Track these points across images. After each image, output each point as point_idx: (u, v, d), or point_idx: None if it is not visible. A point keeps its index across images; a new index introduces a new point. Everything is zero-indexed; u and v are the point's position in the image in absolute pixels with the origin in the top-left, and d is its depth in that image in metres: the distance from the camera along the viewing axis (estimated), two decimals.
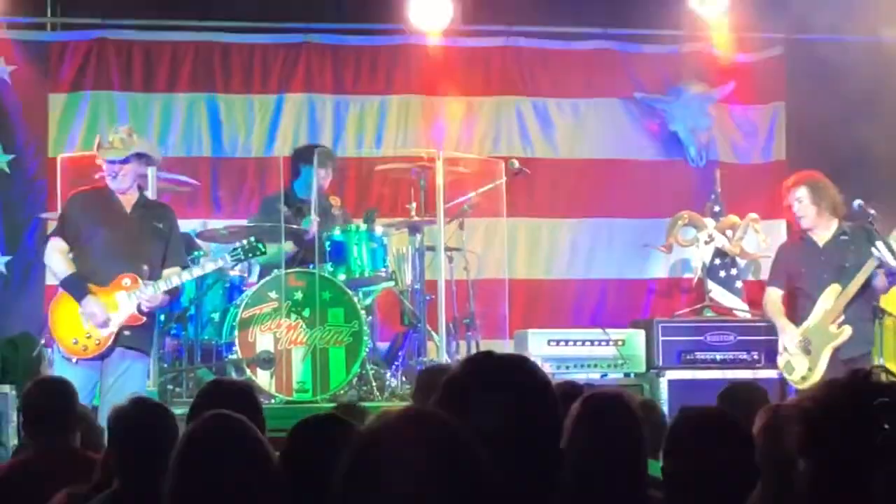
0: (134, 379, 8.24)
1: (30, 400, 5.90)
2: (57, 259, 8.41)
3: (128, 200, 8.41)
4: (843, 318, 9.31)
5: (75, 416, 5.85)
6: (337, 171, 10.43)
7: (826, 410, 2.79)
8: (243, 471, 3.40)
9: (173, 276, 8.34)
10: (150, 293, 8.21)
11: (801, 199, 9.50)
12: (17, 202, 11.13)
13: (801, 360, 9.38)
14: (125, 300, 8.22)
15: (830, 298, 9.37)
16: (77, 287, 8.27)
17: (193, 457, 3.41)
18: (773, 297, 9.73)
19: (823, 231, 9.55)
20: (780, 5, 11.21)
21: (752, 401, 5.79)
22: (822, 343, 9.32)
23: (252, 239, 8.87)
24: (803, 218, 9.57)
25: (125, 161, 8.28)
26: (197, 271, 8.60)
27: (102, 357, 8.21)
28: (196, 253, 9.75)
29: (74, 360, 8.17)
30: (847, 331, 9.29)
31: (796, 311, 9.62)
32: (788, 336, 9.50)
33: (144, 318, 8.26)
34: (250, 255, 8.80)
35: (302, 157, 10.19)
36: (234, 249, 8.78)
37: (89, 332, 8.21)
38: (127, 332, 8.24)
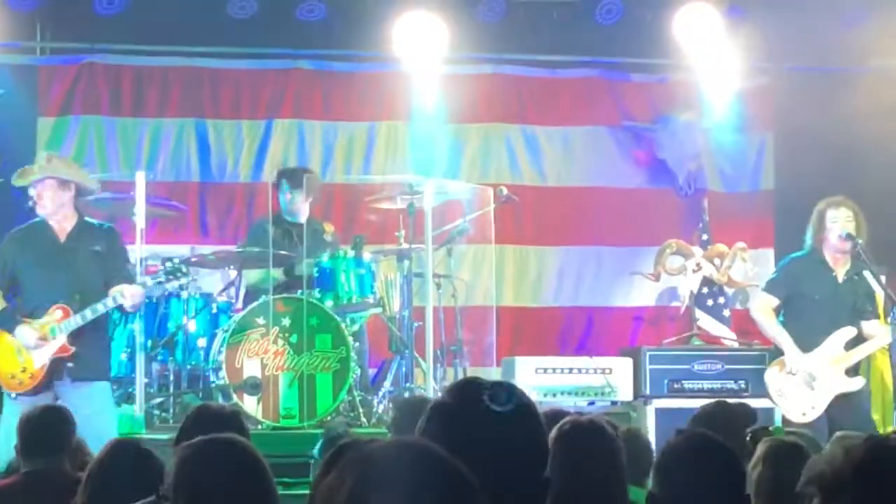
0: (100, 404, 8.12)
1: (25, 425, 5.91)
2: None
3: (63, 229, 8.33)
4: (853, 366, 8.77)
5: (69, 442, 5.84)
6: (321, 197, 10.45)
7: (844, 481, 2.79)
8: (244, 487, 3.40)
9: (98, 305, 8.16)
10: (76, 324, 8.11)
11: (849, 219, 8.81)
12: (2, 227, 11.06)
13: (803, 394, 8.70)
14: (55, 332, 8.14)
15: (842, 340, 8.75)
16: (7, 320, 8.26)
17: (195, 477, 3.40)
18: (769, 306, 8.97)
19: (843, 266, 8.91)
20: (768, 35, 11.25)
21: (732, 421, 5.74)
22: (829, 385, 8.69)
23: (175, 260, 8.82)
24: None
25: (35, 185, 8.22)
26: (119, 299, 8.23)
27: (38, 391, 8.07)
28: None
29: (14, 396, 8.13)
30: (859, 381, 8.79)
31: (794, 339, 8.82)
32: (795, 359, 8.75)
33: (73, 349, 8.14)
34: (171, 277, 8.59)
35: (288, 179, 10.20)
36: (157, 272, 8.62)
37: (24, 365, 8.16)
38: (70, 364, 8.16)
